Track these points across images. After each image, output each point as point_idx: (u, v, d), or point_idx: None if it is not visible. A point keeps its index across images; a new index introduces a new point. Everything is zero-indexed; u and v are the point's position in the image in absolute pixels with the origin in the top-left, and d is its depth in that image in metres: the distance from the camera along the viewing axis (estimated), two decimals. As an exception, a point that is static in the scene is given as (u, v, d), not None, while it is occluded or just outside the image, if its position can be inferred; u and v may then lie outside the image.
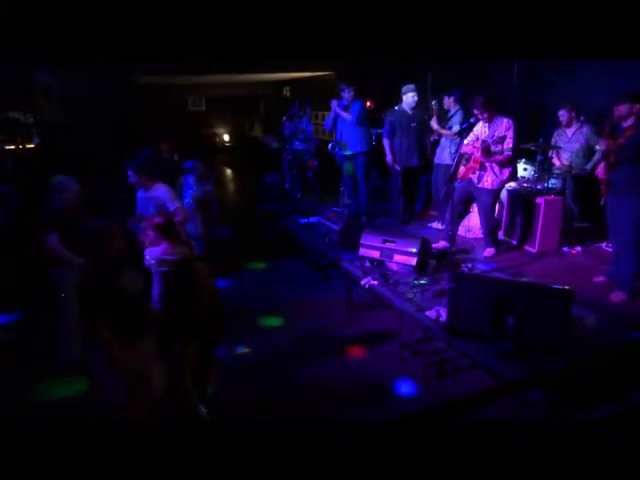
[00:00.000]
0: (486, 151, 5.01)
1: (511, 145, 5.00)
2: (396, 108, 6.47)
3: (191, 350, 3.04)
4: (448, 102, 6.33)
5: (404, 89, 6.39)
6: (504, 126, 5.02)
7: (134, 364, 2.75)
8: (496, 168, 5.08)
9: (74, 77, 7.82)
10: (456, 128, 6.06)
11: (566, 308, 3.22)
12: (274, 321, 4.89)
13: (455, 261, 5.08)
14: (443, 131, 6.25)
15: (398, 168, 6.50)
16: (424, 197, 7.11)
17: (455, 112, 6.26)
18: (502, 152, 5.02)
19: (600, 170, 4.28)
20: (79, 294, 2.76)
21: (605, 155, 4.22)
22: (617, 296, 4.17)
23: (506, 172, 5.13)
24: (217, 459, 2.02)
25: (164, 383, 3.00)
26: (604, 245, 5.36)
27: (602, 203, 4.34)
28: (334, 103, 6.75)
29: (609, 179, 4.17)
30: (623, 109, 4.02)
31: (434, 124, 6.31)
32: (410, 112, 6.37)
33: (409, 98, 6.33)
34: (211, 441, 2.17)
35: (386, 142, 6.52)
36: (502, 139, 4.99)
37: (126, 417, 2.82)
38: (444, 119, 6.33)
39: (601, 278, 4.52)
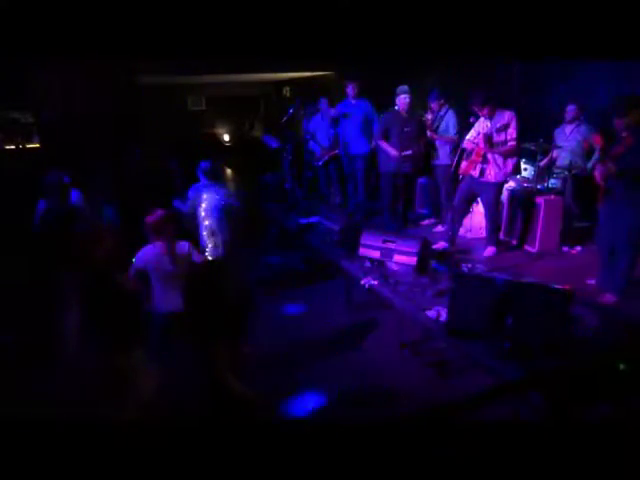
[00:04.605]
0: (488, 141, 4.99)
1: (514, 135, 4.96)
2: (390, 110, 6.17)
3: (224, 349, 3.02)
4: (438, 104, 6.14)
5: (397, 90, 6.05)
6: (506, 118, 4.99)
7: (127, 368, 2.75)
8: (499, 160, 5.03)
9: (74, 77, 7.82)
10: (453, 132, 6.02)
11: (566, 308, 3.22)
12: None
13: (455, 261, 5.08)
14: (444, 138, 6.09)
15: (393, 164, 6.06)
16: (422, 198, 7.03)
17: (445, 113, 6.09)
18: (506, 142, 4.99)
19: (597, 174, 4.28)
20: (81, 296, 2.77)
21: (602, 160, 4.21)
22: (607, 298, 4.17)
23: (510, 164, 5.08)
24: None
25: (152, 387, 2.98)
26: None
27: (598, 207, 4.36)
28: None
29: (607, 186, 4.16)
30: (618, 122, 4.03)
31: (431, 134, 6.11)
32: (404, 115, 6.02)
33: (401, 100, 5.97)
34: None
35: (383, 143, 6.14)
36: (505, 127, 4.95)
37: (115, 417, 2.81)
38: (435, 122, 6.16)
39: (593, 281, 4.53)
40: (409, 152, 5.95)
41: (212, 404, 3.06)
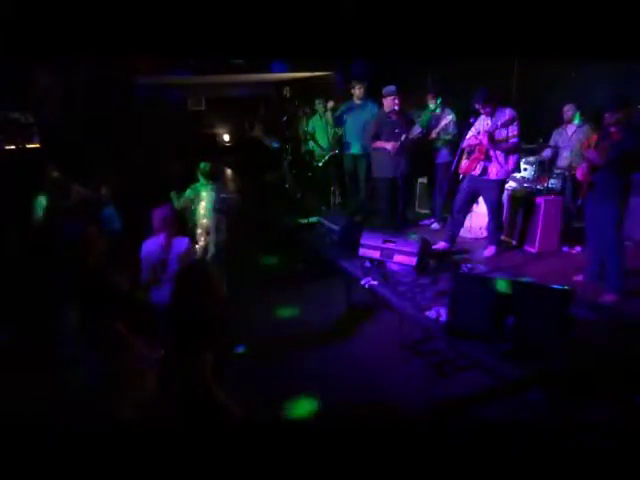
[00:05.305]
0: (490, 138, 4.99)
1: (516, 132, 4.96)
2: (379, 112, 6.07)
3: (210, 354, 3.01)
4: (435, 102, 6.19)
5: (384, 91, 5.86)
6: (507, 115, 4.99)
7: (130, 365, 2.75)
8: (501, 157, 5.03)
9: (74, 77, 7.83)
10: (454, 131, 6.05)
11: (566, 308, 3.22)
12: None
13: (455, 261, 5.08)
14: (443, 135, 6.12)
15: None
16: (422, 198, 7.05)
17: (444, 112, 6.11)
18: (507, 139, 5.00)
19: (579, 172, 4.30)
20: (79, 296, 2.77)
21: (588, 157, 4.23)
22: (608, 297, 4.17)
23: (511, 162, 5.07)
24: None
25: (154, 386, 2.97)
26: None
27: (579, 203, 4.39)
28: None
29: (591, 181, 4.19)
30: (609, 116, 4.05)
31: (434, 134, 6.13)
32: (394, 117, 5.86)
33: (389, 102, 5.82)
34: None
35: (378, 143, 5.98)
36: (506, 124, 4.94)
37: (111, 415, 2.81)
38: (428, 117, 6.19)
39: (580, 277, 4.54)
40: (418, 131, 5.87)
41: (187, 410, 3.05)
